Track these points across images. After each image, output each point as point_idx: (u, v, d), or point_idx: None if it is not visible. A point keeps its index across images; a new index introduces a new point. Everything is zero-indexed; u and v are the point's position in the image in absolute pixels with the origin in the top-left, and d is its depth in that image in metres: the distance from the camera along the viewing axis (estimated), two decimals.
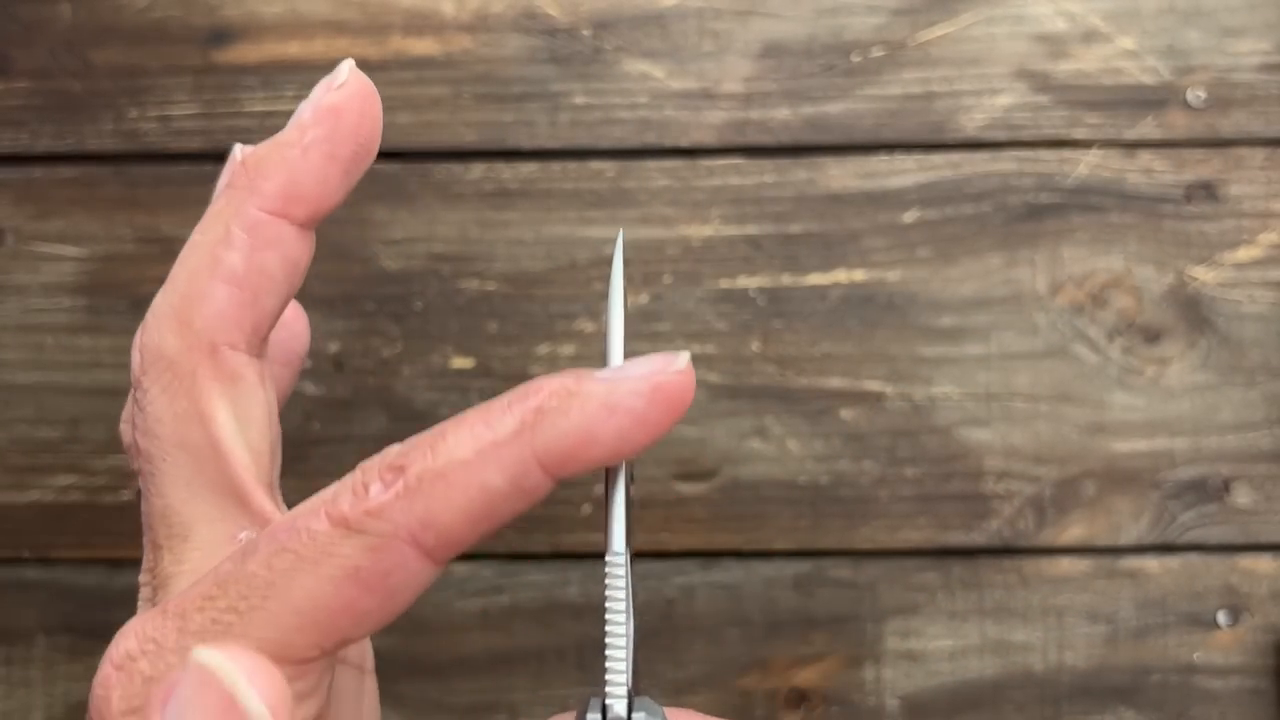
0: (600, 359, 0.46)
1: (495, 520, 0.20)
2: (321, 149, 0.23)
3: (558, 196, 0.46)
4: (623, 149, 0.46)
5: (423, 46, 0.46)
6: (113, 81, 0.47)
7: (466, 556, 0.45)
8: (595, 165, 0.46)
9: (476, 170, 0.46)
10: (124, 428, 0.25)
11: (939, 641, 0.45)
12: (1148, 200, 0.46)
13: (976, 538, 0.45)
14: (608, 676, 0.23)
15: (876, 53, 0.46)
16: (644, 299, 0.46)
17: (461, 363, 0.46)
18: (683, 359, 0.21)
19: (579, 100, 0.46)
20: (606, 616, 0.23)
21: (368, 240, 0.46)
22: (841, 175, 0.46)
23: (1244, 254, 0.46)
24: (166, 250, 0.46)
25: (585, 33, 0.47)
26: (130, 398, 0.23)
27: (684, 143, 0.46)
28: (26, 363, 0.46)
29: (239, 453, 0.22)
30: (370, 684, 0.30)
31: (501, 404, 0.20)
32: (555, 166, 0.46)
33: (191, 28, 0.47)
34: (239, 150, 0.25)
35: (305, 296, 0.46)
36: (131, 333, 0.49)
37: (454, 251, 0.46)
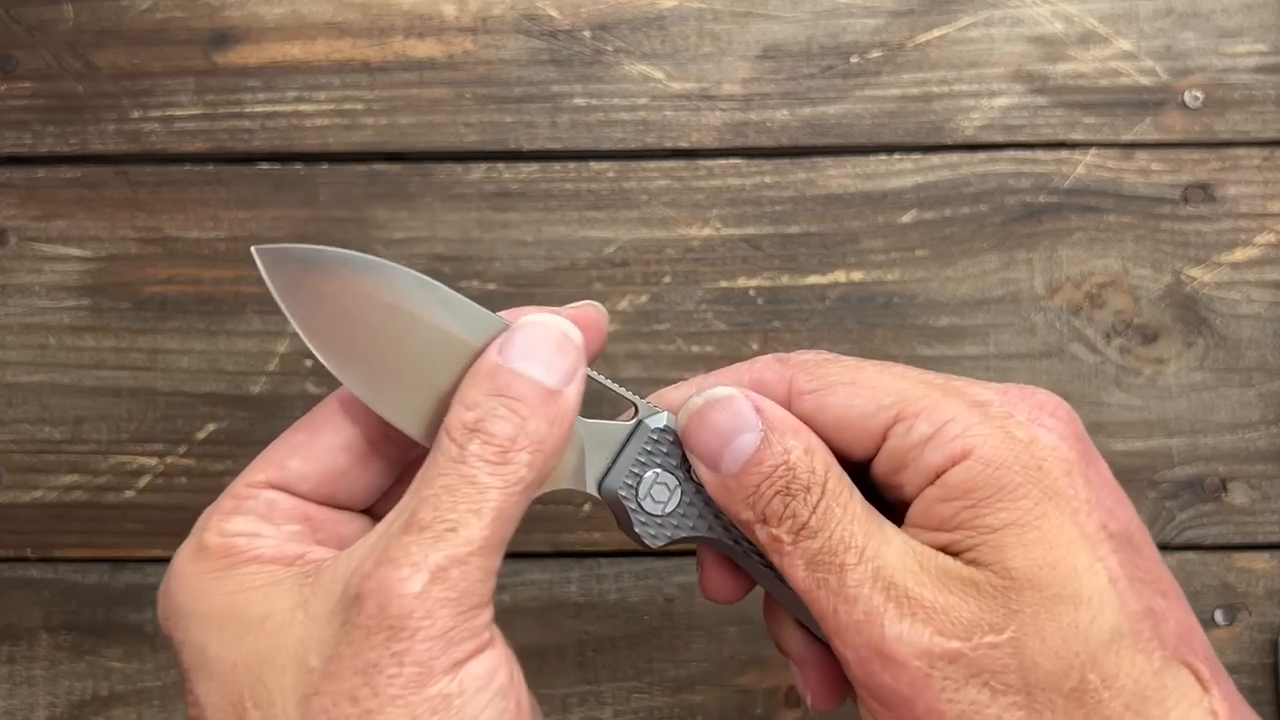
0: (600, 357, 0.46)
1: None
2: None
3: (558, 197, 0.46)
4: (623, 150, 0.46)
5: (424, 48, 0.47)
6: (116, 83, 0.47)
7: None
8: (596, 166, 0.46)
9: (477, 171, 0.46)
10: None
11: None
12: (1145, 201, 0.46)
13: None
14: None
15: (875, 54, 0.47)
16: (644, 299, 0.46)
17: None
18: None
19: (579, 102, 0.47)
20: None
21: (369, 240, 0.46)
22: (840, 176, 0.46)
23: (1240, 254, 0.46)
24: (169, 251, 0.46)
25: (586, 35, 0.47)
26: None
27: (684, 144, 0.46)
28: (30, 363, 0.46)
29: None
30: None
31: None
32: (556, 167, 0.46)
33: (194, 29, 0.47)
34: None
35: None
36: (134, 332, 0.49)
37: (455, 252, 0.46)
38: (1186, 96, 0.46)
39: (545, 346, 0.27)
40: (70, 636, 0.45)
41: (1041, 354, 0.46)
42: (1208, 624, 0.45)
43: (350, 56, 0.47)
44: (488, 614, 0.26)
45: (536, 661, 0.45)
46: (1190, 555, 0.45)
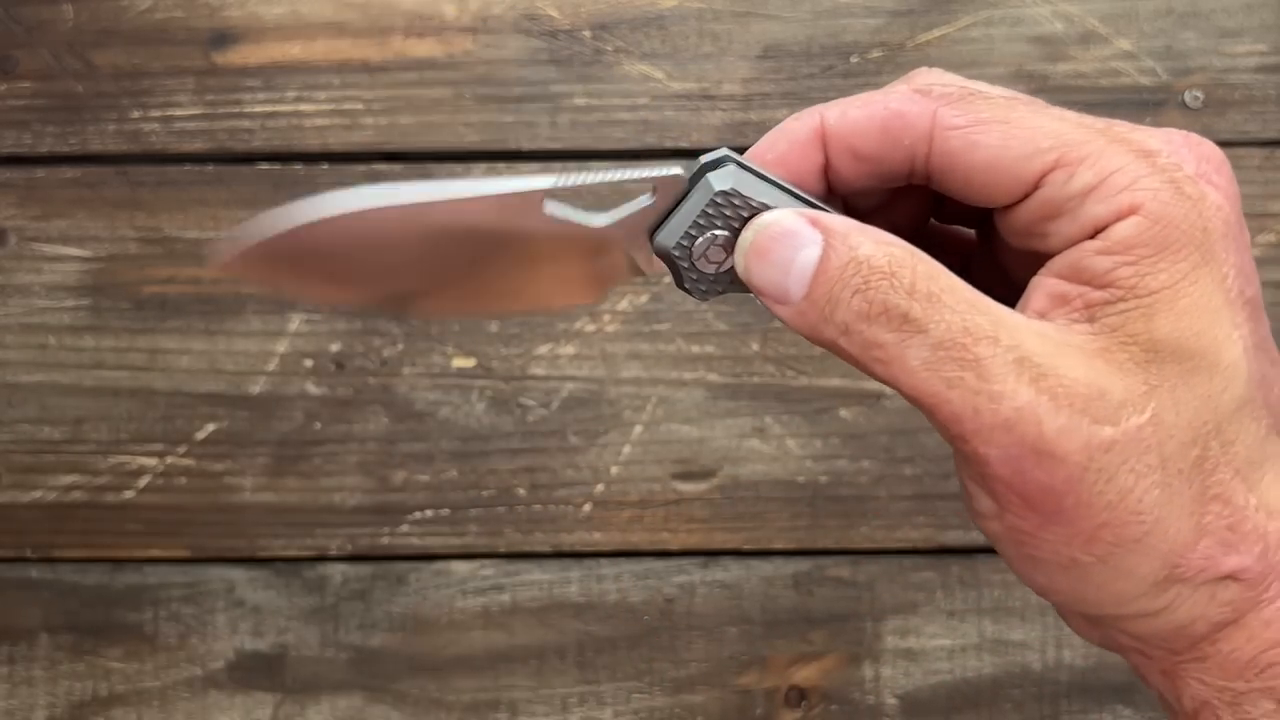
0: (600, 357, 0.46)
1: None
2: None
3: (559, 197, 0.46)
4: (623, 150, 0.46)
5: (424, 48, 0.47)
6: (115, 83, 0.47)
7: (467, 555, 0.46)
8: (596, 166, 0.46)
9: (478, 171, 0.46)
10: None
11: (937, 640, 0.46)
12: None
13: (975, 537, 0.45)
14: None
15: (875, 54, 0.47)
16: (644, 299, 0.46)
17: (462, 362, 0.46)
18: None
19: (579, 101, 0.47)
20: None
21: None
22: None
23: None
24: (169, 250, 0.46)
25: (586, 34, 0.47)
26: None
27: (684, 144, 0.46)
28: (30, 363, 0.46)
29: None
30: None
31: None
32: (556, 167, 0.46)
33: (193, 29, 0.47)
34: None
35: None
36: (134, 332, 0.49)
37: None
38: (1187, 96, 0.46)
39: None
40: (70, 637, 0.45)
41: None
42: None
43: (350, 56, 0.47)
44: None
45: (536, 661, 0.45)
46: None
